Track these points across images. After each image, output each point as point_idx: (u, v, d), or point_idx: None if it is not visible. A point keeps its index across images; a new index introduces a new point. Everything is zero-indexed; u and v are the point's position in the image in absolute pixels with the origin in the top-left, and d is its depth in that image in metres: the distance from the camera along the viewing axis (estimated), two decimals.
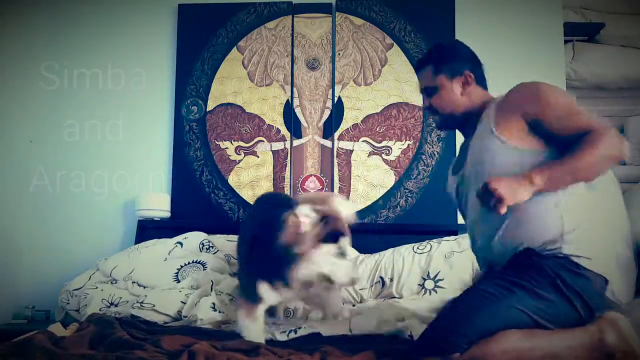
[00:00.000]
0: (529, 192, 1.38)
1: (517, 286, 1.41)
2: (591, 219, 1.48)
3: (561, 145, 1.44)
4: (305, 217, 1.64)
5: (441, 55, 1.71)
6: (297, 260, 1.65)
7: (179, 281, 2.35)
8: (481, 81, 1.73)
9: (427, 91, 1.71)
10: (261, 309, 1.81)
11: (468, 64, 1.70)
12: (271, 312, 2.07)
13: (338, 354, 1.55)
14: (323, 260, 1.64)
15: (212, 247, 2.58)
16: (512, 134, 1.48)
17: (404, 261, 2.37)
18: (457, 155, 1.85)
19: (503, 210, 1.36)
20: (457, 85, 1.67)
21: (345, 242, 1.69)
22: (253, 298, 1.78)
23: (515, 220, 1.47)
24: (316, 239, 1.64)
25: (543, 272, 1.41)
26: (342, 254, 1.67)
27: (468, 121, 1.66)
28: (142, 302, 2.14)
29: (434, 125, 2.88)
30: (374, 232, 2.83)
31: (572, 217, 1.44)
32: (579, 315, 1.43)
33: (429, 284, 2.27)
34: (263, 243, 1.77)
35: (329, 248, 1.65)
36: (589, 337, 1.39)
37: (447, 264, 2.31)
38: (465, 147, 1.71)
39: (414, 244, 2.48)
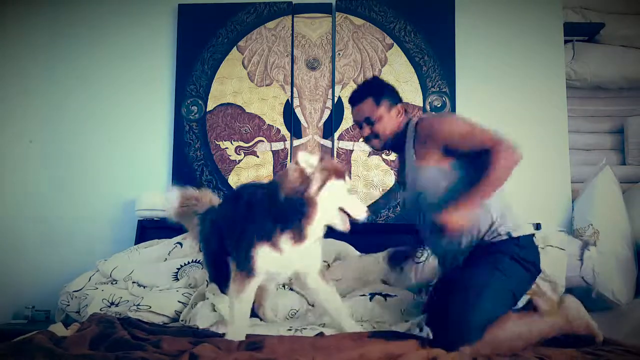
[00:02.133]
0: (469, 216, 1.75)
1: (494, 270, 1.75)
2: (506, 203, 1.85)
3: (471, 156, 1.81)
4: (305, 163, 1.67)
5: (379, 89, 1.99)
6: (308, 206, 1.65)
7: (178, 280, 2.35)
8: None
9: (367, 120, 1.97)
10: (254, 283, 1.74)
11: (397, 97, 2.00)
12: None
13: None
14: (337, 196, 1.69)
15: None
16: (430, 162, 1.86)
17: (402, 268, 2.37)
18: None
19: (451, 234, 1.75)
20: (394, 113, 1.97)
21: (349, 181, 1.75)
22: (246, 267, 1.71)
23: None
24: (323, 178, 1.66)
25: (501, 252, 1.78)
26: (350, 190, 1.74)
27: (398, 142, 2.00)
28: (138, 305, 2.13)
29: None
30: (374, 232, 2.83)
31: (496, 203, 1.81)
32: (531, 273, 1.83)
33: (423, 292, 2.29)
34: (261, 202, 1.74)
35: (338, 184, 1.69)
36: (560, 317, 1.77)
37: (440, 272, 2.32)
38: (402, 165, 2.05)
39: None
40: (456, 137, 1.81)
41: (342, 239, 2.66)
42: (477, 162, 1.78)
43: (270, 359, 1.46)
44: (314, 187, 1.65)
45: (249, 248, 1.70)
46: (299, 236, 1.69)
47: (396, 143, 2.00)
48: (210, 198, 2.14)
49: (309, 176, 1.66)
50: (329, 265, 2.47)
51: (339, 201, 1.70)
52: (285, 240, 1.69)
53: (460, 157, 1.84)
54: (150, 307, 2.13)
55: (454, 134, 1.82)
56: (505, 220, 1.82)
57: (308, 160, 1.68)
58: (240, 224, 1.78)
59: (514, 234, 1.81)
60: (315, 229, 1.70)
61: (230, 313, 1.77)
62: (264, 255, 1.69)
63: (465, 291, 1.71)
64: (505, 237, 1.81)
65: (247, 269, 1.71)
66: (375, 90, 1.98)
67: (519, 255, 1.79)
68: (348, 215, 1.72)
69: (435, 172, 1.85)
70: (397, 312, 2.09)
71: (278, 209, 1.68)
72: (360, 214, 1.74)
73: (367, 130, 1.99)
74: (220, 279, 1.93)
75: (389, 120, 1.96)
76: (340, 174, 1.71)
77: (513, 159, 1.74)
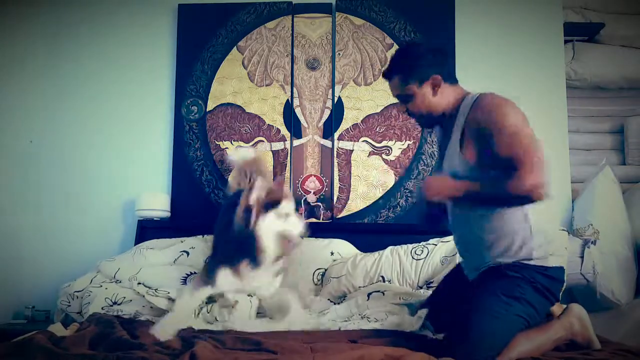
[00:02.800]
0: (449, 191, 1.69)
1: (512, 298, 1.65)
2: (546, 224, 1.72)
3: (491, 159, 1.64)
4: (251, 196, 1.86)
5: (405, 65, 1.78)
6: (255, 239, 1.85)
7: (186, 285, 2.33)
8: (450, 78, 1.82)
9: (401, 98, 1.82)
10: (207, 292, 1.96)
11: (433, 67, 1.77)
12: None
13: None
14: (273, 224, 1.88)
15: None
16: (469, 154, 1.69)
17: (402, 266, 2.38)
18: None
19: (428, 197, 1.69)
20: (428, 89, 1.76)
21: (286, 204, 1.90)
22: (210, 278, 1.93)
23: (495, 236, 1.70)
24: (259, 211, 1.86)
25: (526, 280, 1.67)
26: (286, 215, 1.89)
27: (446, 118, 1.80)
28: (157, 289, 2.20)
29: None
30: (374, 232, 2.83)
31: (537, 228, 1.68)
32: (551, 304, 1.75)
33: (424, 290, 2.31)
34: (225, 230, 1.95)
35: (273, 213, 1.88)
36: (565, 330, 1.72)
37: (441, 270, 2.33)
38: (443, 149, 1.85)
39: (412, 246, 2.48)
40: (505, 134, 1.61)
41: (342, 239, 2.67)
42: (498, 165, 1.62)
43: None
44: (254, 220, 1.85)
45: (217, 266, 1.93)
46: (255, 264, 1.89)
47: (442, 120, 1.81)
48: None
49: (251, 212, 1.85)
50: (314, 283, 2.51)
51: (275, 230, 1.89)
52: (244, 268, 1.90)
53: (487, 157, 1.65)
54: (169, 292, 2.17)
55: (505, 129, 1.61)
56: (530, 243, 1.68)
57: (241, 155, 2.06)
58: (218, 238, 2.05)
59: (543, 263, 1.68)
60: (267, 256, 1.89)
61: (175, 304, 1.96)
62: (225, 278, 1.91)
63: (480, 318, 1.64)
64: (532, 262, 1.68)
65: (210, 280, 1.93)
66: (400, 67, 1.78)
67: (543, 285, 1.68)
68: (285, 237, 1.91)
69: (465, 166, 1.70)
70: (395, 301, 2.10)
71: (236, 242, 1.89)
72: (295, 232, 1.91)
73: (403, 108, 1.85)
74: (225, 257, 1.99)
75: (421, 98, 1.76)
76: (274, 196, 1.90)
77: (534, 192, 1.56)
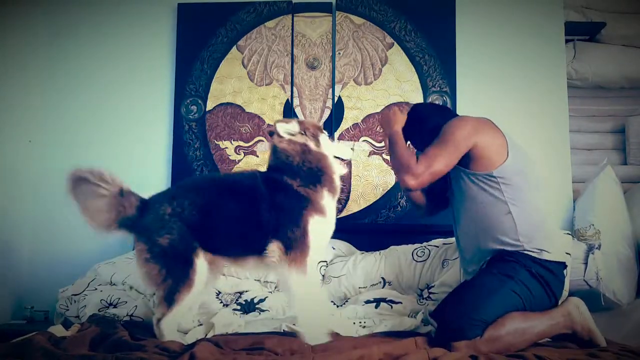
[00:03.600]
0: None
1: (505, 276, 1.79)
2: (541, 219, 1.90)
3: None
4: (286, 131, 1.88)
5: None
6: (323, 161, 1.87)
7: None
8: None
9: None
10: (313, 260, 1.81)
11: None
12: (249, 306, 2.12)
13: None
14: (328, 147, 1.92)
15: None
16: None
17: (402, 268, 2.37)
18: None
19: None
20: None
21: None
22: (302, 244, 1.78)
23: (481, 228, 1.91)
24: (313, 134, 1.90)
25: (520, 264, 1.81)
26: (332, 138, 1.98)
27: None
28: (131, 315, 2.13)
29: None
30: (374, 232, 2.83)
31: (522, 222, 1.85)
32: (549, 298, 1.83)
33: (424, 293, 2.30)
34: (276, 183, 1.84)
35: (323, 137, 1.93)
36: (562, 316, 1.79)
37: (442, 274, 2.31)
38: None
39: (414, 247, 2.46)
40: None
41: (342, 239, 2.66)
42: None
43: None
44: (313, 145, 1.87)
45: (297, 224, 1.78)
46: (333, 188, 1.88)
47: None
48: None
49: (300, 140, 1.86)
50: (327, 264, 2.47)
51: (331, 151, 1.92)
52: (324, 197, 1.84)
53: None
54: None
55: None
56: (515, 235, 1.84)
57: (288, 128, 1.87)
58: (257, 212, 1.80)
59: (545, 256, 1.83)
60: (337, 179, 1.90)
61: (294, 298, 1.76)
62: (315, 225, 1.80)
63: (473, 290, 1.80)
64: (527, 252, 1.83)
65: (302, 246, 1.77)
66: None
67: (538, 273, 1.80)
68: (339, 160, 1.96)
69: None
70: (403, 317, 2.09)
71: (301, 176, 1.83)
72: (348, 154, 2.01)
73: None
74: (177, 282, 1.79)
75: None
76: (319, 127, 1.95)
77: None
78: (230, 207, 1.84)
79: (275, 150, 1.90)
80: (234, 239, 1.85)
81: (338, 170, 1.92)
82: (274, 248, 1.77)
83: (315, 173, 1.85)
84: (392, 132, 2.03)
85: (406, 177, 1.86)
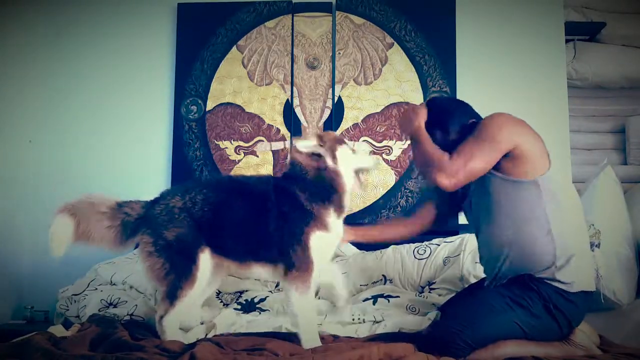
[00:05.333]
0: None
1: (516, 304, 1.64)
2: (578, 246, 1.71)
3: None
4: (307, 148, 1.81)
5: None
6: (336, 178, 1.79)
7: None
8: None
9: None
10: (315, 275, 1.76)
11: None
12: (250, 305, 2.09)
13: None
14: (347, 159, 1.83)
15: None
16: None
17: (404, 266, 2.37)
18: None
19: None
20: None
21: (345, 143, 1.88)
22: (305, 262, 1.74)
23: (512, 247, 1.70)
24: (331, 149, 1.80)
25: (539, 295, 1.64)
26: (352, 149, 1.87)
27: None
28: (132, 314, 2.11)
29: None
30: None
31: (561, 244, 1.66)
32: (561, 331, 1.68)
33: (426, 290, 2.30)
34: (282, 192, 1.79)
35: (343, 149, 1.83)
36: (565, 352, 1.66)
37: (443, 271, 2.32)
38: None
39: (414, 245, 2.46)
40: None
41: None
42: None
43: None
44: (329, 160, 1.78)
45: (299, 240, 1.73)
46: (340, 208, 1.80)
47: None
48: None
49: (318, 154, 1.79)
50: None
51: (352, 163, 1.83)
52: (330, 215, 1.78)
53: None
54: None
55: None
56: (568, 266, 1.64)
57: (307, 144, 1.80)
58: (266, 219, 1.76)
59: (567, 288, 1.64)
60: (348, 197, 1.82)
61: (298, 317, 1.72)
62: (317, 241, 1.75)
63: (473, 305, 1.69)
64: (554, 283, 1.64)
65: (305, 263, 1.73)
66: None
67: (556, 307, 1.63)
68: (361, 171, 1.88)
69: None
70: (401, 310, 2.09)
71: (311, 191, 1.77)
72: (369, 162, 1.91)
73: None
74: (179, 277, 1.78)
75: None
76: (339, 140, 1.85)
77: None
78: (239, 209, 1.81)
79: (292, 160, 1.86)
80: (240, 242, 1.82)
81: (350, 188, 1.83)
82: (280, 265, 1.76)
83: (326, 190, 1.78)
84: (414, 130, 1.79)
85: (439, 176, 1.65)
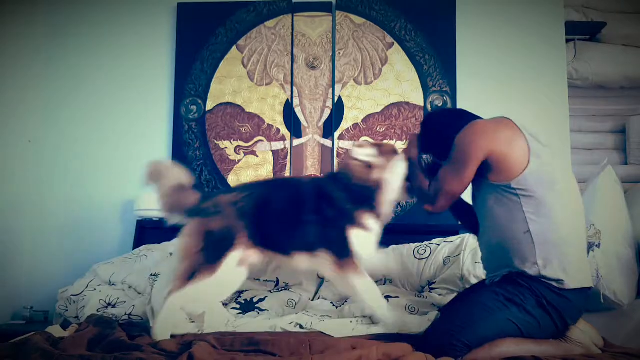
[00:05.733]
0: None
1: (510, 302, 1.66)
2: (563, 236, 1.69)
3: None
4: (365, 156, 1.88)
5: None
6: (379, 188, 1.86)
7: None
8: None
9: None
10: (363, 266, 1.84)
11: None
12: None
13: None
14: (400, 173, 1.91)
15: None
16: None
17: (404, 265, 2.36)
18: None
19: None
20: None
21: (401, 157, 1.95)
22: (349, 253, 1.83)
23: (498, 245, 1.75)
24: (385, 160, 1.89)
25: (531, 292, 1.66)
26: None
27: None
28: (130, 314, 2.12)
29: None
30: None
31: (542, 241, 1.67)
32: (556, 327, 1.68)
33: (426, 290, 2.30)
34: (330, 192, 1.88)
35: (399, 164, 1.92)
36: (564, 351, 1.65)
37: (443, 271, 2.31)
38: None
39: (415, 246, 2.46)
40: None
41: None
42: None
43: None
44: (381, 172, 1.87)
45: (342, 237, 1.82)
46: (380, 214, 1.87)
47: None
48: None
49: (371, 164, 1.87)
50: None
51: (403, 174, 1.91)
52: (370, 219, 1.85)
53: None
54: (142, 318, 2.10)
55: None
56: (532, 259, 1.66)
57: (364, 153, 1.88)
58: (312, 214, 1.85)
59: (565, 285, 1.64)
60: (388, 206, 1.89)
61: (365, 297, 1.83)
62: (359, 238, 1.84)
63: (468, 306, 1.71)
64: (550, 281, 1.64)
65: (349, 254, 1.82)
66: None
67: (549, 303, 1.64)
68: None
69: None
70: (401, 310, 2.08)
71: (352, 195, 1.85)
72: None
73: None
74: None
75: None
76: (395, 150, 1.95)
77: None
78: (281, 204, 1.91)
79: (343, 164, 1.97)
80: (282, 235, 1.90)
81: (394, 197, 1.91)
82: (325, 256, 1.85)
83: (366, 197, 1.86)
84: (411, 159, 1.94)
85: (425, 206, 1.83)
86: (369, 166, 1.87)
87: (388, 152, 1.93)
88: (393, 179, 1.89)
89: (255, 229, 1.86)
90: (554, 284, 1.64)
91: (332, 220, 1.84)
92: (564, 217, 1.70)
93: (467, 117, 1.90)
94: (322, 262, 1.85)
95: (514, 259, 1.69)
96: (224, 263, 1.80)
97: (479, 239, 1.90)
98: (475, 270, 2.20)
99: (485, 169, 1.72)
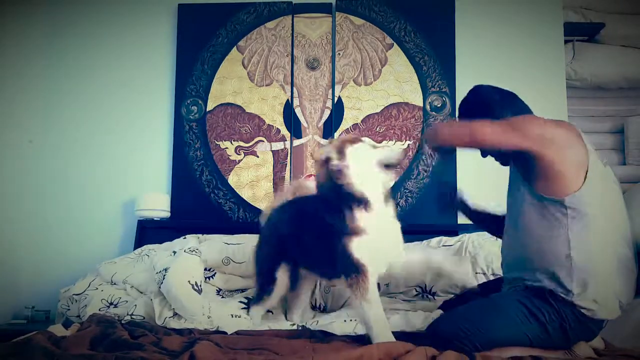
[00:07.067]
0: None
1: (533, 317, 1.58)
2: (600, 273, 1.61)
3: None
4: (319, 154, 1.78)
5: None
6: (344, 178, 1.71)
7: None
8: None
9: None
10: (371, 278, 1.69)
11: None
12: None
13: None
14: (365, 155, 1.75)
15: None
16: None
17: (405, 265, 2.36)
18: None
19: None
20: None
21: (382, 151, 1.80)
22: (355, 268, 1.69)
23: (530, 261, 1.63)
24: (339, 148, 1.75)
25: (558, 314, 1.58)
26: (373, 145, 1.80)
27: None
28: (132, 314, 2.11)
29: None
30: None
31: (581, 268, 1.57)
32: (567, 344, 1.63)
33: (426, 290, 2.31)
34: (320, 204, 1.81)
35: (358, 146, 1.75)
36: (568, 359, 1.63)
37: (440, 274, 2.32)
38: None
39: (414, 245, 2.47)
40: None
41: None
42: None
43: None
44: (335, 161, 1.71)
45: (342, 250, 1.69)
46: (365, 204, 1.70)
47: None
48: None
49: (331, 158, 1.73)
50: None
51: (371, 157, 1.73)
52: (360, 216, 1.69)
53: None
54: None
55: None
56: (587, 291, 1.56)
57: (323, 150, 1.77)
58: (317, 232, 1.81)
59: (591, 314, 1.58)
60: (370, 192, 1.70)
61: (368, 319, 1.66)
62: (358, 247, 1.68)
63: (485, 307, 1.65)
64: (582, 309, 1.57)
65: (357, 269, 1.67)
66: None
67: (571, 327, 1.58)
68: (389, 165, 1.75)
69: None
70: (401, 310, 2.09)
71: (331, 203, 1.73)
72: (395, 157, 1.76)
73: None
74: (264, 287, 2.01)
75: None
76: (354, 140, 1.76)
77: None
78: (299, 229, 1.92)
79: (316, 177, 1.84)
80: (316, 258, 1.88)
81: (367, 186, 1.71)
82: (342, 279, 1.72)
83: (341, 195, 1.71)
84: (443, 140, 1.70)
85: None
86: (327, 163, 1.72)
87: (340, 142, 1.76)
88: (362, 164, 1.71)
89: (295, 253, 1.95)
90: (584, 311, 1.56)
91: (329, 239, 1.72)
92: (609, 242, 1.63)
93: (520, 103, 1.86)
94: (342, 286, 1.76)
95: (547, 278, 1.59)
96: (277, 286, 1.98)
97: (504, 245, 1.79)
98: (474, 271, 2.22)
99: (532, 174, 1.59)
